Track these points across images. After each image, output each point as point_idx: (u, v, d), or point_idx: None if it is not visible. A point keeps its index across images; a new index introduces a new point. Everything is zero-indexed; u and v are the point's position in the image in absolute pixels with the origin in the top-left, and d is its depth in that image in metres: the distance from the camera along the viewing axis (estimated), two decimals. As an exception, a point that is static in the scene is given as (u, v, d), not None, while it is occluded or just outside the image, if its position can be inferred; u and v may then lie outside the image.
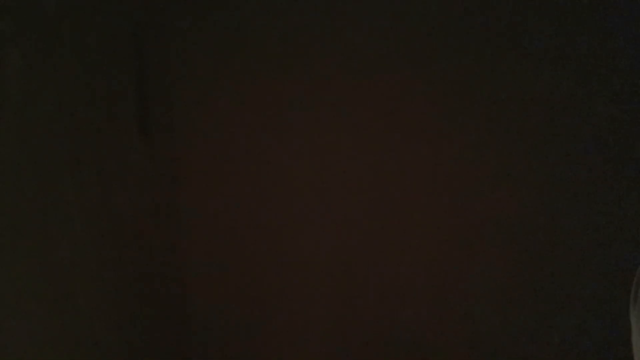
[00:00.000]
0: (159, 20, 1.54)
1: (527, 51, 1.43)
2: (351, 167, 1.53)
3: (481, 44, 1.44)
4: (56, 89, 1.24)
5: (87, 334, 1.30)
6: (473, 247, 1.50)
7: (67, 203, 1.26)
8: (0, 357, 1.11)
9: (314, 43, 1.51)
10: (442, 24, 1.45)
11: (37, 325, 1.19)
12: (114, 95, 1.40)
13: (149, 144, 1.51)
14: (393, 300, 1.54)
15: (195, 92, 1.57)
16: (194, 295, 1.62)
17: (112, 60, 1.39)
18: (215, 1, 1.54)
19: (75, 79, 1.29)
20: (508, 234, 1.48)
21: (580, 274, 1.46)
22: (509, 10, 1.43)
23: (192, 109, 1.58)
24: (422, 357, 1.54)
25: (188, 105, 1.58)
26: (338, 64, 1.51)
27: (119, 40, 1.41)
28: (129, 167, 1.44)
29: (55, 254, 1.23)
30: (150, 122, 1.51)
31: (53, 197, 1.23)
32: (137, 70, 1.47)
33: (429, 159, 1.49)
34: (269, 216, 1.58)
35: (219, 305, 1.62)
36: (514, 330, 1.49)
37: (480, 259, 1.50)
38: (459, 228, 1.50)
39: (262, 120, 1.55)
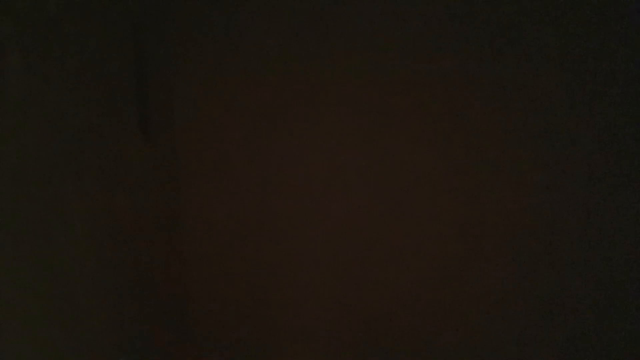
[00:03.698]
0: (159, 21, 1.54)
1: (527, 52, 1.43)
2: (352, 167, 1.53)
3: (481, 44, 1.44)
4: (56, 89, 1.24)
5: (87, 334, 1.30)
6: (473, 247, 1.49)
7: (67, 203, 1.26)
8: (0, 357, 1.11)
9: (314, 43, 1.51)
10: (443, 24, 1.45)
11: (37, 325, 1.19)
12: (114, 95, 1.39)
13: (150, 144, 1.51)
14: (394, 302, 1.54)
15: (195, 93, 1.57)
16: (194, 296, 1.62)
17: (112, 61, 1.39)
18: (216, 2, 1.54)
19: (75, 79, 1.29)
20: (508, 235, 1.48)
21: (580, 274, 1.46)
22: (509, 11, 1.43)
23: (192, 109, 1.58)
24: (423, 357, 1.54)
25: (188, 105, 1.58)
26: (339, 63, 1.51)
27: (119, 41, 1.41)
28: (129, 167, 1.44)
29: (55, 254, 1.23)
30: (151, 122, 1.51)
31: (53, 197, 1.23)
32: (137, 70, 1.47)
33: (430, 159, 1.49)
34: (269, 216, 1.57)
35: (219, 306, 1.62)
36: (514, 331, 1.49)
37: (481, 260, 1.49)
38: (459, 228, 1.50)
39: (262, 120, 1.55)
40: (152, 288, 1.52)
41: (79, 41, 1.29)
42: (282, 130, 1.54)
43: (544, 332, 1.48)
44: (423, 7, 1.45)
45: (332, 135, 1.53)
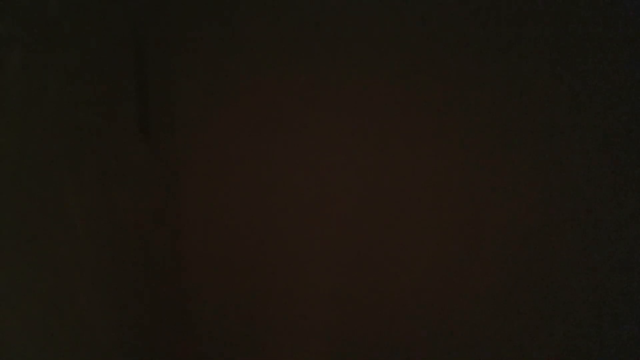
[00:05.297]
0: (159, 20, 1.54)
1: (526, 51, 1.43)
2: (352, 168, 1.53)
3: (480, 44, 1.44)
4: (56, 89, 1.24)
5: (87, 335, 1.30)
6: (474, 248, 1.49)
7: (67, 203, 1.26)
8: (0, 357, 1.11)
9: (315, 44, 1.51)
10: (442, 24, 1.45)
11: (37, 325, 1.19)
12: (114, 95, 1.40)
13: (149, 144, 1.51)
14: (394, 301, 1.54)
15: (195, 92, 1.57)
16: (195, 296, 1.62)
17: (112, 60, 1.39)
18: (216, 2, 1.54)
19: (75, 79, 1.29)
20: (508, 236, 1.48)
21: (580, 274, 1.46)
22: (508, 11, 1.43)
23: (192, 109, 1.58)
24: (423, 357, 1.54)
25: (188, 105, 1.58)
26: (339, 64, 1.51)
27: (119, 40, 1.41)
28: (129, 167, 1.44)
29: (55, 254, 1.23)
30: (151, 122, 1.51)
31: (53, 197, 1.23)
32: (138, 70, 1.47)
33: (430, 160, 1.49)
34: (270, 217, 1.57)
35: (219, 306, 1.62)
36: (514, 331, 1.49)
37: (481, 260, 1.49)
38: (459, 229, 1.50)
39: (262, 120, 1.55)
40: (152, 288, 1.52)
41: (79, 41, 1.29)
42: (282, 130, 1.54)
43: (544, 332, 1.48)
44: (424, 7, 1.45)
45: (332, 135, 1.53)
